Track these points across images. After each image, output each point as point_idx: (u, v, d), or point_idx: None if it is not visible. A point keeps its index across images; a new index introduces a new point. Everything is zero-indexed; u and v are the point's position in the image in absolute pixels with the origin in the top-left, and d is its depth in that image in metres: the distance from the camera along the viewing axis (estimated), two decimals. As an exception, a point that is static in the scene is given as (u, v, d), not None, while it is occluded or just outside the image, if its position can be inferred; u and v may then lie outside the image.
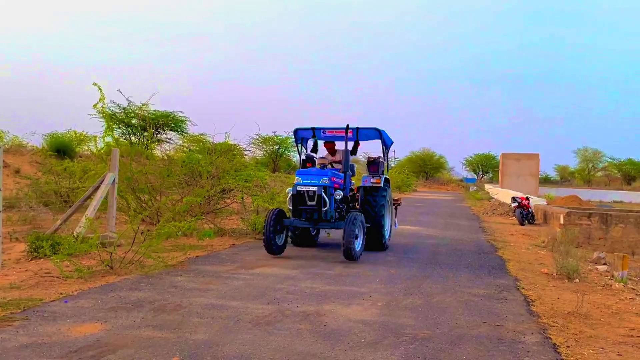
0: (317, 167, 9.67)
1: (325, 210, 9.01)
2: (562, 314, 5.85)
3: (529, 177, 38.77)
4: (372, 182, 10.12)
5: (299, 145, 10.74)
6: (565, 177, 75.60)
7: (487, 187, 46.70)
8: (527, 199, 20.00)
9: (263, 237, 9.16)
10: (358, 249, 8.81)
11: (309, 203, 9.08)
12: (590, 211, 15.61)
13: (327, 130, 10.27)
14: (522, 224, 18.16)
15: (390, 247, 10.62)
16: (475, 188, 47.96)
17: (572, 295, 6.81)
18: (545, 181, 65.51)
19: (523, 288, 7.21)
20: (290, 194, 9.30)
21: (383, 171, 10.56)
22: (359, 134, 10.27)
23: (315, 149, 10.66)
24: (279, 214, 9.34)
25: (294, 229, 10.21)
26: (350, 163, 10.53)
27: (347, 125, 9.79)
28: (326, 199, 8.97)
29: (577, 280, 7.95)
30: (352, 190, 10.37)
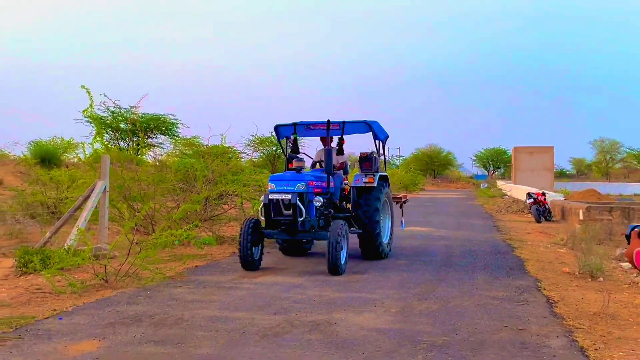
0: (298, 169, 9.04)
1: (303, 220, 8.42)
2: (587, 315, 5.86)
3: (543, 172, 38.77)
4: (364, 182, 9.42)
5: (285, 142, 10.49)
6: (582, 171, 75.65)
7: (500, 183, 46.71)
8: (544, 194, 19.97)
9: (239, 250, 8.56)
10: (343, 262, 8.32)
11: (285, 212, 8.48)
12: (611, 205, 15.62)
13: (310, 126, 9.89)
14: (538, 221, 18.14)
15: (400, 250, 10.62)
16: (486, 185, 48.00)
17: (597, 295, 6.82)
18: (561, 175, 65.60)
19: (544, 289, 7.22)
20: (262, 203, 8.68)
21: (378, 168, 9.89)
22: (344, 129, 9.85)
23: (296, 149, 10.26)
24: (257, 223, 8.76)
25: None
26: (344, 160, 10.16)
27: (328, 120, 9.43)
28: (302, 207, 8.37)
29: (601, 279, 7.96)
30: (343, 190, 9.97)
